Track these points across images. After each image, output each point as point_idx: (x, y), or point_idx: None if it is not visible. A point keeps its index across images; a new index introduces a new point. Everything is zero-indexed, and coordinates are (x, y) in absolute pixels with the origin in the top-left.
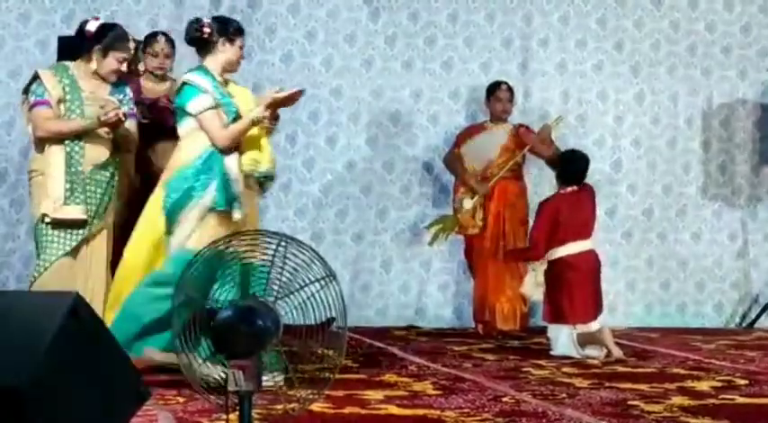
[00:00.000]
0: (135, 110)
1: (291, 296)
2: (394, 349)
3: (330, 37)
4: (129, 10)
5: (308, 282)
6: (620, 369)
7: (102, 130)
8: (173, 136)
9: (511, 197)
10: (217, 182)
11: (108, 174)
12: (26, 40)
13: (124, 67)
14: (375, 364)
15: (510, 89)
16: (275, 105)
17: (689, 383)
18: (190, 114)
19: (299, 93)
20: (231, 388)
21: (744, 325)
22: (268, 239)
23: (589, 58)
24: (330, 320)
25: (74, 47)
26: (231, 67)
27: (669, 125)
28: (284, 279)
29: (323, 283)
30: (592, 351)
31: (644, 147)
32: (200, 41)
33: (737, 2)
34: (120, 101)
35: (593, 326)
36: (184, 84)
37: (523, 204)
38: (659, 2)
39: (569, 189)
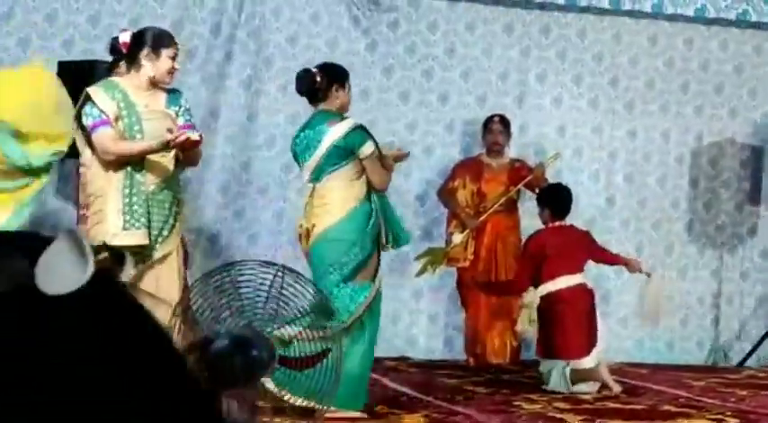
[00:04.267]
0: (192, 121)
1: (287, 326)
2: (385, 380)
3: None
4: (111, 10)
5: (303, 313)
6: (612, 405)
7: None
8: None
9: (503, 231)
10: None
11: (172, 193)
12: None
13: (177, 65)
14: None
15: (504, 122)
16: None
17: (680, 421)
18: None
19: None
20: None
21: (724, 363)
22: (265, 269)
23: (585, 94)
24: (325, 351)
25: (78, 71)
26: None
27: (661, 162)
28: (280, 309)
29: (318, 314)
30: (583, 386)
31: (636, 183)
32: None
33: (732, 41)
34: (177, 112)
35: (587, 361)
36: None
37: (516, 238)
38: (655, 40)
39: (557, 223)
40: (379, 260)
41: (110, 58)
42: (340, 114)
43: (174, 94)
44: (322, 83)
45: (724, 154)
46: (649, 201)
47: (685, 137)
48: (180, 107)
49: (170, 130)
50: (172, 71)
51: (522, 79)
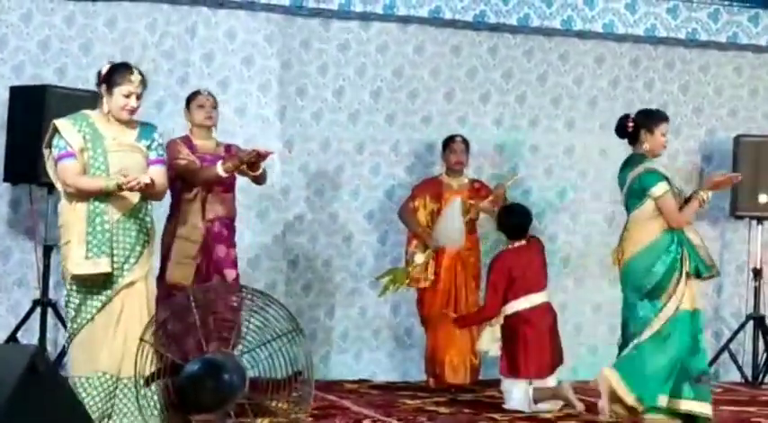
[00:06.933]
0: (164, 156)
1: (258, 350)
2: (347, 403)
3: (283, 89)
4: (62, 35)
5: (274, 336)
6: None
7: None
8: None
9: (463, 251)
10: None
11: (139, 221)
12: None
13: (133, 102)
14: (329, 418)
15: (465, 141)
16: None
17: None
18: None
19: None
20: None
21: None
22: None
23: (527, 113)
24: (296, 374)
25: (29, 96)
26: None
27: (597, 178)
28: (251, 333)
29: (289, 337)
30: (544, 405)
31: (568, 198)
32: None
33: (678, 61)
34: (148, 146)
35: (550, 381)
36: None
37: (476, 258)
38: (602, 60)
39: (516, 244)
40: (680, 285)
41: (60, 84)
42: (645, 157)
43: (146, 127)
44: (633, 128)
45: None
46: (581, 215)
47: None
48: (152, 141)
49: (124, 175)
50: (125, 108)
51: (466, 99)
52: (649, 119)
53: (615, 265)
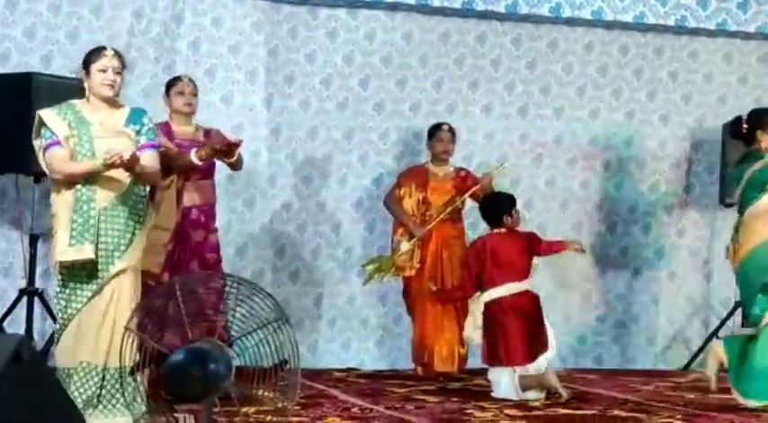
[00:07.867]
0: (157, 140)
1: (244, 339)
2: (335, 391)
3: (270, 77)
4: (48, 23)
5: (261, 324)
6: (562, 411)
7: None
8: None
9: (449, 239)
10: None
11: (128, 209)
12: None
13: (111, 76)
14: (317, 406)
15: (451, 130)
16: None
17: None
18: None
19: None
20: None
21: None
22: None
23: (515, 101)
24: (283, 363)
25: (15, 83)
26: None
27: (587, 167)
28: (237, 322)
29: (276, 325)
30: (531, 393)
31: (558, 187)
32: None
33: (668, 47)
34: (138, 131)
35: (531, 368)
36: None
37: (461, 247)
38: (591, 48)
39: (496, 231)
40: None
41: (47, 71)
42: (762, 155)
43: (136, 112)
44: (747, 129)
45: (655, 158)
46: (570, 204)
47: (614, 141)
48: (142, 126)
49: (107, 152)
50: (105, 83)
51: (455, 87)
52: (763, 118)
53: (731, 263)
